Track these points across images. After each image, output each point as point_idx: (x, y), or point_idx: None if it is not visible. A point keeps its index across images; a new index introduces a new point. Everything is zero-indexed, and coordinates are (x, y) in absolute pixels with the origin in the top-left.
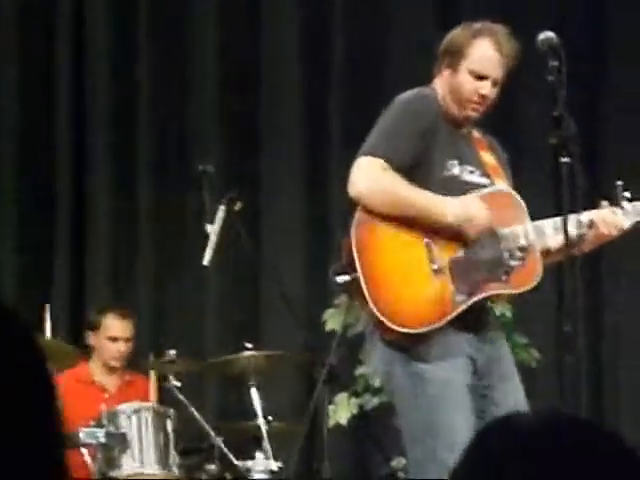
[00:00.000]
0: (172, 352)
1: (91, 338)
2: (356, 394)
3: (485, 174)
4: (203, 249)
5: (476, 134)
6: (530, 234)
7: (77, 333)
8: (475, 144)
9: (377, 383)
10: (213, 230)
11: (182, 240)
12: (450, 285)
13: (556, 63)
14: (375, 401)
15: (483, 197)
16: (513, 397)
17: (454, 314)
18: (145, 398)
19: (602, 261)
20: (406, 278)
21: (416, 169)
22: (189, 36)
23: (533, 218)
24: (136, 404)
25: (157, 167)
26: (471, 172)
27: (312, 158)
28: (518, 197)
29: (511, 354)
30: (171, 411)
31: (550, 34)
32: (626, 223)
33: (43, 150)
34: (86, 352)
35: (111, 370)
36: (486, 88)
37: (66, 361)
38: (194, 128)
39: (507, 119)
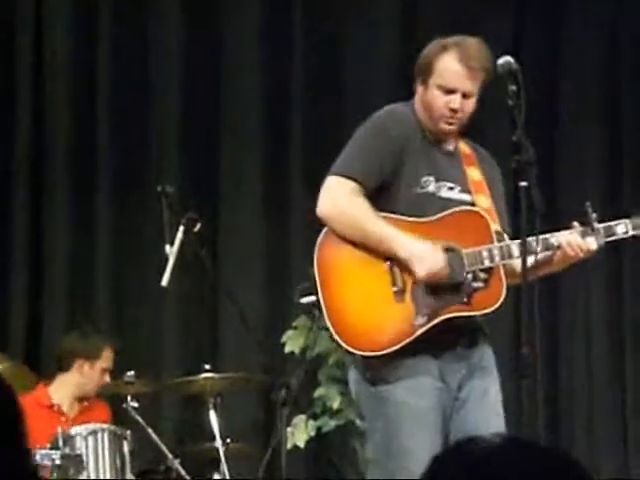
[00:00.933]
0: (130, 373)
1: (81, 365)
2: (314, 416)
3: (467, 190)
4: (162, 270)
5: (465, 149)
6: (495, 256)
7: (33, 356)
8: (461, 159)
9: (335, 405)
10: (172, 251)
11: (141, 261)
12: (411, 308)
13: (515, 87)
14: (333, 423)
15: (448, 216)
16: (482, 415)
17: (412, 337)
18: (105, 423)
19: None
20: (367, 300)
21: (388, 187)
22: (151, 58)
23: None
24: (92, 425)
25: (116, 187)
26: (450, 188)
27: (272, 179)
28: (487, 217)
29: (494, 371)
30: (128, 432)
31: (509, 59)
32: (593, 245)
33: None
34: (44, 376)
35: (82, 399)
36: (455, 102)
37: (24, 385)
38: (154, 148)
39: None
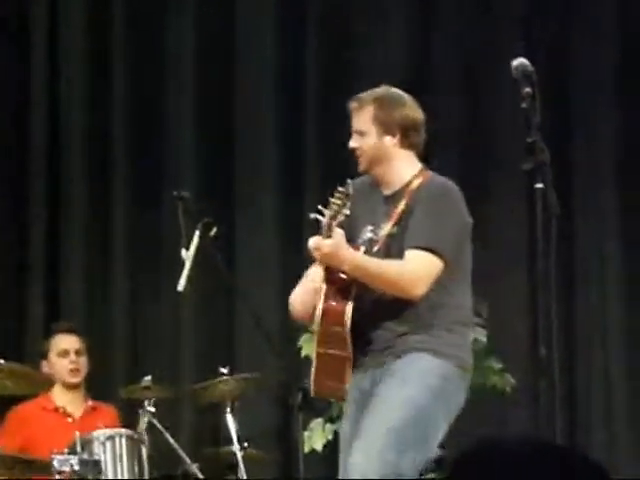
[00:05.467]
0: (147, 378)
1: (45, 366)
2: (331, 420)
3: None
4: (178, 275)
5: (414, 183)
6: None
7: None
8: (391, 197)
9: None
10: (188, 256)
11: (157, 266)
12: None
13: (529, 90)
14: None
15: None
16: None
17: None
18: (110, 425)
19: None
20: None
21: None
22: (166, 62)
23: (508, 244)
24: (110, 430)
25: (133, 192)
26: (371, 231)
27: (289, 182)
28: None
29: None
30: (145, 437)
31: (523, 61)
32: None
33: (18, 175)
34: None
35: (72, 390)
36: (351, 141)
37: (38, 388)
38: (170, 153)
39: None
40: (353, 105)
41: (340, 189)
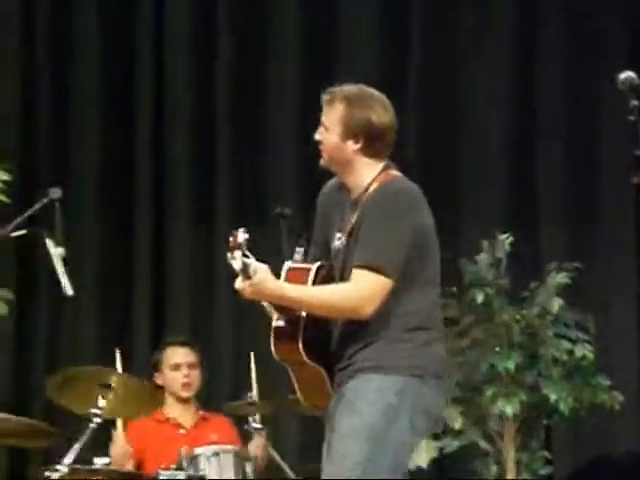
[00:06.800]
0: (252, 394)
1: (158, 378)
2: (436, 437)
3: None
4: None
5: (370, 188)
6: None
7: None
8: (354, 204)
9: (457, 426)
10: None
11: None
12: None
13: (637, 102)
14: (455, 444)
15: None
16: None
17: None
18: (223, 435)
19: None
20: None
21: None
22: (268, 79)
23: (616, 259)
24: (216, 447)
25: (235, 209)
26: (339, 239)
27: None
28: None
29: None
30: (251, 454)
31: (630, 74)
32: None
33: (126, 199)
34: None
35: (183, 402)
36: (317, 132)
37: (152, 403)
38: (272, 170)
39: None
40: (325, 97)
41: (230, 238)
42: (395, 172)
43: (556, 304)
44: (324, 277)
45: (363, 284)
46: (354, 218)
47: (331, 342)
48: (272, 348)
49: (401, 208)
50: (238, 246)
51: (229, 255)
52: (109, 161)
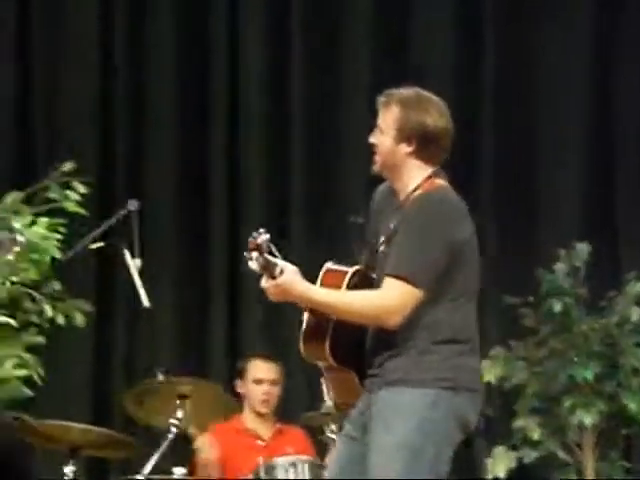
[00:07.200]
0: (327, 405)
1: (240, 386)
2: (514, 447)
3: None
4: None
5: (412, 195)
6: None
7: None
8: (398, 209)
9: (535, 436)
10: None
11: None
12: None
13: None
14: (533, 455)
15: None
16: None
17: None
18: (299, 448)
19: None
20: None
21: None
22: (341, 83)
23: None
24: (293, 457)
25: (308, 216)
26: (382, 244)
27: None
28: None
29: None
30: (327, 464)
31: None
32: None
33: (197, 202)
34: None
35: (261, 417)
36: (371, 135)
37: (226, 410)
38: (346, 176)
39: None
40: (381, 100)
41: (250, 239)
42: (441, 181)
43: (635, 313)
44: (359, 282)
45: (392, 293)
46: (394, 224)
47: (363, 346)
48: (301, 348)
49: (439, 220)
50: (257, 247)
51: (246, 255)
52: (184, 172)
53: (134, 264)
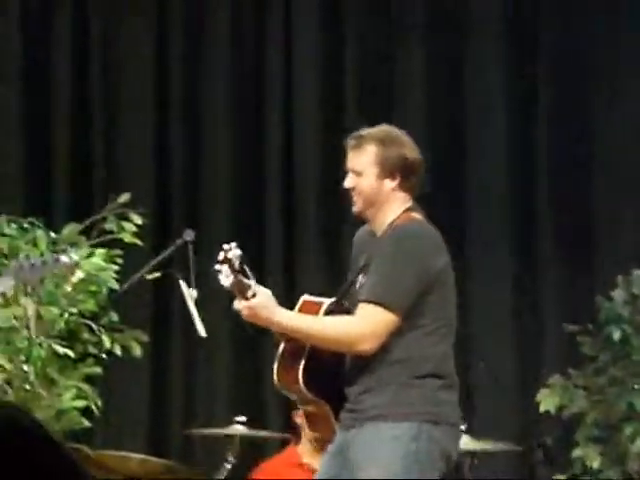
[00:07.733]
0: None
1: (298, 416)
2: (574, 477)
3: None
4: None
5: (387, 231)
6: None
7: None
8: (375, 243)
9: (595, 465)
10: None
11: None
12: None
13: None
14: None
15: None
16: None
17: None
18: None
19: None
20: None
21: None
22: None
23: None
24: None
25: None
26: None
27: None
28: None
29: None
30: None
31: None
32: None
33: (253, 232)
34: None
35: (320, 449)
36: (346, 181)
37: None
38: None
39: None
40: (351, 143)
41: (221, 253)
42: (417, 215)
43: None
44: (336, 313)
45: (367, 319)
46: (369, 254)
47: (339, 379)
48: (274, 377)
49: (413, 249)
50: (227, 261)
51: (216, 268)
52: (240, 202)
53: (190, 294)
